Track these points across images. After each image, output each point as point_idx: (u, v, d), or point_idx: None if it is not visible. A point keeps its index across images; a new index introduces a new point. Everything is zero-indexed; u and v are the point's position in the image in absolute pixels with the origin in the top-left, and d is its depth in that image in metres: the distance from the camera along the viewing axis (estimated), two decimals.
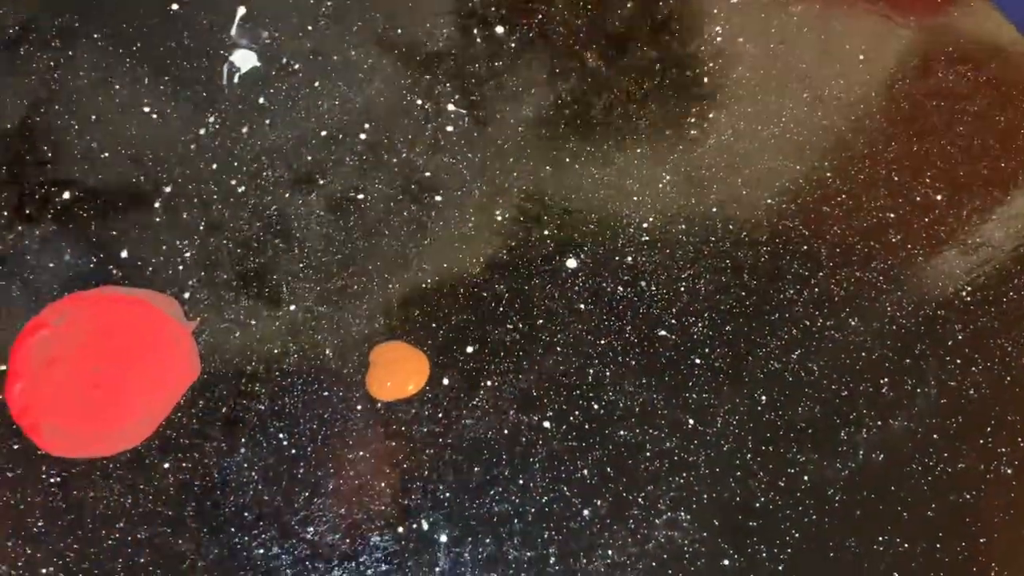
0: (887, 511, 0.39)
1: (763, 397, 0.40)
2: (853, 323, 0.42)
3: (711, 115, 0.45)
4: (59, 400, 0.35)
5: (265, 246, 0.39)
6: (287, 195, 0.40)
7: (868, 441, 0.40)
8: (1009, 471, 0.40)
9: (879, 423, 0.40)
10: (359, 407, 0.38)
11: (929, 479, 0.40)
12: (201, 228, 0.39)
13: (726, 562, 0.37)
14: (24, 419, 0.35)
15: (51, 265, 0.37)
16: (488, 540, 0.36)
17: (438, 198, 0.41)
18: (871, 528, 0.38)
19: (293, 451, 0.36)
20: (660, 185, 0.44)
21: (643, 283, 0.42)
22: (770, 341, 0.42)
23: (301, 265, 0.39)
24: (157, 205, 0.39)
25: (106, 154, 0.40)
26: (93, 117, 0.40)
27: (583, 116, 0.44)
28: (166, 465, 0.35)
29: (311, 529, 0.35)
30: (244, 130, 0.41)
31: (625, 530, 0.37)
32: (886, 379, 0.41)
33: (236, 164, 0.40)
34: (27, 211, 0.38)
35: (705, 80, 0.45)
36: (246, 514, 0.35)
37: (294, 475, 0.36)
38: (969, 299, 0.44)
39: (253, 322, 0.38)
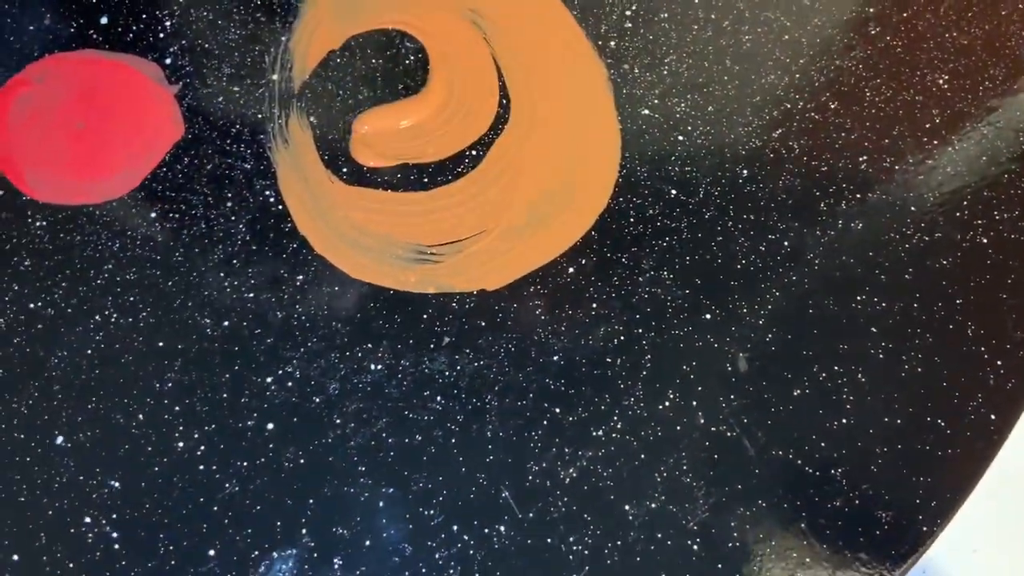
0: (865, 274, 0.40)
1: (744, 171, 0.41)
2: (833, 106, 0.43)
3: None
4: (41, 152, 0.35)
5: (247, 19, 0.39)
6: None
7: (847, 212, 0.41)
8: (984, 240, 0.41)
9: (858, 195, 0.41)
10: (344, 170, 0.38)
11: (906, 246, 0.40)
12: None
13: (707, 316, 0.37)
14: (6, 167, 0.34)
15: (31, 28, 0.37)
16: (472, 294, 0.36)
17: None
18: (849, 289, 0.39)
19: (279, 207, 0.36)
20: None
21: (626, 66, 0.42)
22: (752, 121, 0.42)
23: (283, 39, 0.39)
24: None
25: None
26: None
27: None
28: (152, 214, 0.35)
29: (300, 277, 0.35)
30: None
31: (609, 286, 0.37)
32: (864, 157, 0.42)
33: None
34: None
35: None
36: (234, 261, 0.35)
37: (281, 229, 0.36)
38: (946, 87, 0.44)
39: (236, 89, 0.38)
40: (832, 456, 0.36)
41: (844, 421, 0.36)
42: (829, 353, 0.37)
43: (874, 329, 0.38)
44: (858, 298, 0.39)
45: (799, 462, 0.36)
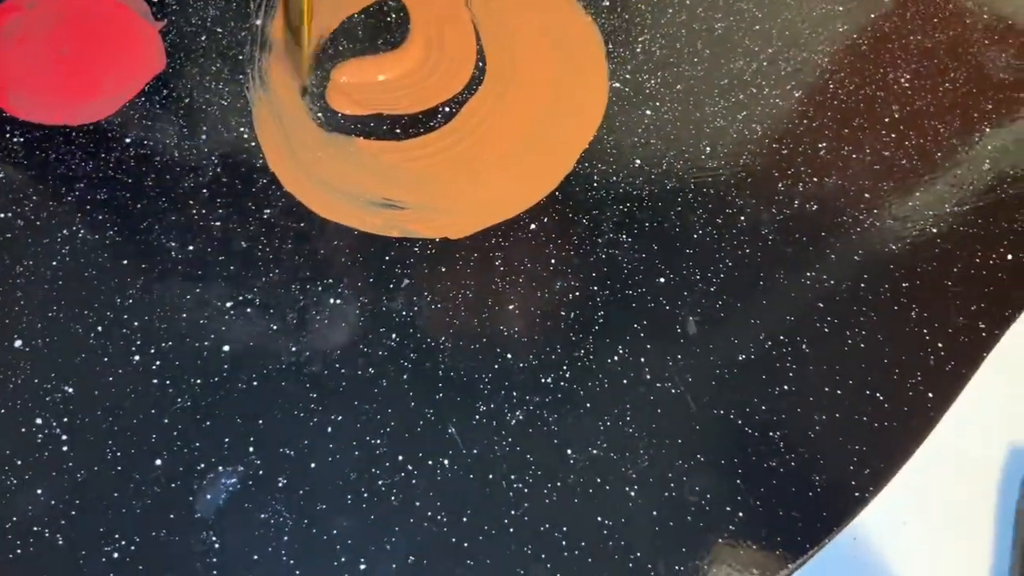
0: (816, 252, 0.41)
1: (707, 148, 0.42)
2: (797, 95, 0.45)
3: None
4: (24, 73, 0.36)
5: None
6: None
7: (803, 193, 0.42)
8: (934, 230, 0.43)
9: (815, 179, 0.42)
10: (319, 115, 0.39)
11: (858, 230, 0.42)
12: None
13: (661, 280, 0.39)
14: None
15: None
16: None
17: None
18: (800, 265, 0.41)
19: (252, 144, 0.37)
20: None
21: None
22: (718, 101, 0.44)
23: None
24: None
25: None
26: None
27: None
28: (127, 140, 0.36)
29: (267, 211, 0.36)
30: None
31: (569, 244, 0.39)
32: (824, 144, 0.43)
33: None
34: None
35: None
36: (204, 191, 0.36)
37: (252, 164, 0.37)
38: (907, 85, 0.46)
39: (220, 30, 0.39)
40: (771, 419, 0.37)
41: (785, 387, 0.38)
42: (775, 323, 0.39)
43: (821, 304, 0.40)
44: (807, 274, 0.40)
45: (739, 422, 0.37)
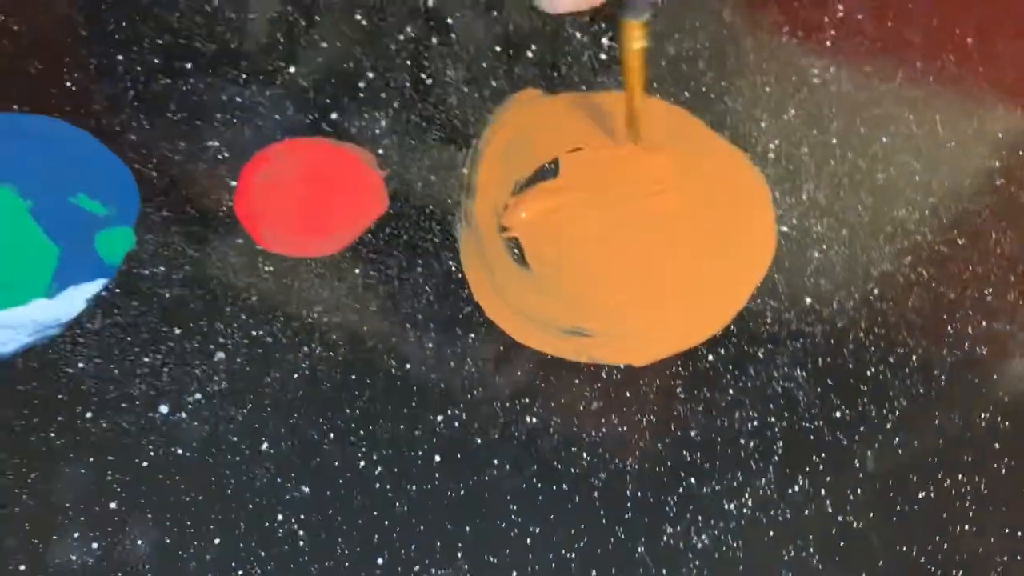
0: (989, 395, 0.42)
1: (875, 290, 0.45)
2: (960, 243, 0.47)
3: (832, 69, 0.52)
4: (273, 212, 0.42)
5: (446, 123, 0.47)
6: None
7: (973, 336, 0.44)
8: None
9: (983, 323, 0.44)
10: (515, 251, 0.44)
11: None
12: (395, 105, 0.47)
13: (838, 414, 0.41)
14: (247, 221, 0.42)
15: (277, 118, 0.46)
16: None
17: None
18: (973, 406, 0.42)
19: (460, 275, 0.42)
20: (785, 117, 0.50)
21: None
22: (883, 247, 0.46)
23: (474, 141, 0.46)
24: (362, 84, 0.47)
25: (324, 44, 0.48)
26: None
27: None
28: (356, 271, 0.42)
29: (472, 335, 0.41)
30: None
31: (745, 376, 0.41)
32: (990, 290, 0.45)
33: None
34: (260, 78, 0.47)
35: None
36: (419, 316, 0.41)
37: (459, 294, 0.42)
38: None
39: (433, 178, 0.45)
40: (954, 559, 0.37)
41: (966, 527, 0.38)
42: (953, 461, 0.40)
43: (997, 445, 0.40)
44: (982, 415, 0.41)
45: (922, 560, 0.37)
